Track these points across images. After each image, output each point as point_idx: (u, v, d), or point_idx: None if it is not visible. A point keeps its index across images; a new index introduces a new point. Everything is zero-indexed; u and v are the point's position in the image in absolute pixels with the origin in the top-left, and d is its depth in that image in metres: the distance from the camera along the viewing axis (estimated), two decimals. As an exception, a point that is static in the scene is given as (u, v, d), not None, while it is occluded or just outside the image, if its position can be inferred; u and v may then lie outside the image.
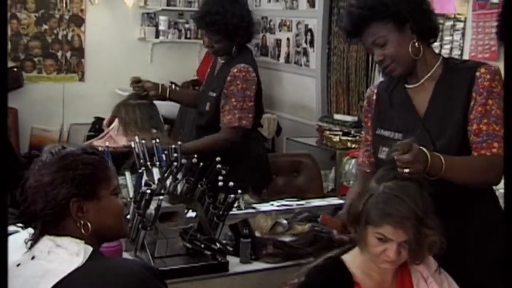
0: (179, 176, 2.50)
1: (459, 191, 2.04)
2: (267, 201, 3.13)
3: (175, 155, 2.57)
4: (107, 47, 6.93)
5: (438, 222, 1.87)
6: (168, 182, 2.51)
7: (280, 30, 6.71)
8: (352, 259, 1.97)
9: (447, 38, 4.41)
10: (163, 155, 2.67)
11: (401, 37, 2.13)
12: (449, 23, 4.43)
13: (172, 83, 6.84)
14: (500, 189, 2.24)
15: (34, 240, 1.59)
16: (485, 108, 2.06)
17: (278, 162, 4.08)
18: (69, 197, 1.55)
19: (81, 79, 6.96)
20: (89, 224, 1.58)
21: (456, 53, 4.38)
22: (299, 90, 6.46)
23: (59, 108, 6.81)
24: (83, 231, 1.58)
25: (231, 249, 2.49)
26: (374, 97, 2.34)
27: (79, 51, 6.89)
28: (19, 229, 1.68)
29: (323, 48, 6.15)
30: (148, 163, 2.60)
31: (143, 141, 2.73)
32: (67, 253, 1.54)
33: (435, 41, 2.26)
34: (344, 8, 2.23)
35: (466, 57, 4.28)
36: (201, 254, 2.40)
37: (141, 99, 3.53)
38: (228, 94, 3.24)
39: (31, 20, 6.62)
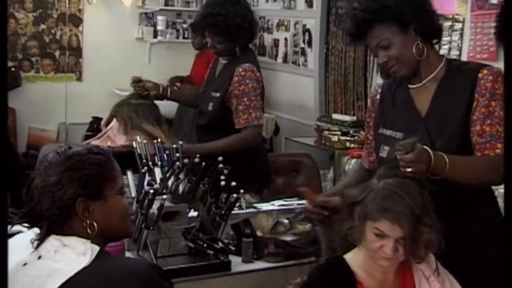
0: (181, 176, 2.51)
1: (460, 191, 2.06)
2: (268, 201, 3.13)
3: (177, 155, 2.58)
4: (105, 47, 6.94)
5: (437, 221, 1.88)
6: (170, 182, 2.52)
7: (278, 30, 6.72)
8: (354, 258, 1.98)
9: (445, 38, 4.42)
10: (165, 155, 2.68)
11: (405, 38, 2.14)
12: (447, 24, 4.44)
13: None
14: (499, 188, 2.26)
15: (40, 240, 1.59)
16: (488, 109, 2.07)
17: (277, 162, 4.08)
18: (76, 197, 1.56)
19: (79, 78, 6.97)
20: (95, 224, 1.59)
21: (454, 54, 4.40)
22: (297, 90, 6.47)
23: (57, 108, 6.81)
24: (89, 231, 1.58)
25: (233, 248, 2.50)
26: (378, 96, 2.36)
27: (77, 51, 6.90)
28: (24, 229, 1.69)
29: (321, 48, 6.16)
30: (150, 163, 2.61)
31: (145, 141, 2.74)
32: (74, 253, 1.54)
33: (439, 42, 2.27)
34: (345, 10, 2.24)
35: (464, 57, 4.30)
36: (203, 254, 2.41)
37: (142, 99, 3.53)
38: (239, 94, 3.23)
39: (29, 20, 6.63)
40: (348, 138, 5.23)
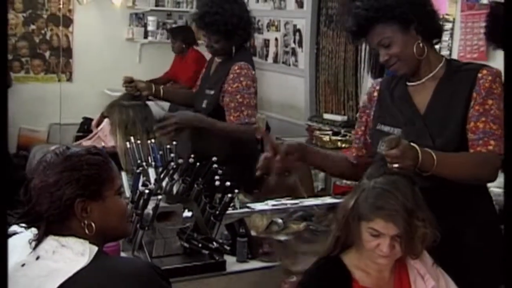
0: (176, 176, 2.52)
1: (456, 189, 2.08)
2: (262, 201, 3.14)
3: (171, 155, 2.58)
4: (95, 47, 6.92)
5: (430, 215, 1.91)
6: (164, 182, 2.52)
7: (268, 30, 6.73)
8: (349, 257, 2.00)
9: (436, 38, 4.45)
10: (158, 155, 2.68)
11: (406, 37, 2.17)
12: (438, 24, 4.46)
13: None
14: (492, 187, 2.28)
15: (38, 240, 1.59)
16: (484, 107, 2.09)
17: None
18: (74, 198, 1.56)
19: (69, 79, 6.95)
20: (93, 224, 1.59)
21: (444, 53, 4.41)
22: (287, 90, 6.49)
23: (47, 109, 6.78)
24: (87, 231, 1.59)
25: (228, 248, 2.50)
26: (375, 93, 2.38)
27: (67, 52, 6.88)
28: (20, 229, 1.69)
29: (311, 48, 6.18)
30: (144, 163, 2.62)
31: (138, 142, 2.74)
32: (72, 253, 1.55)
33: (439, 41, 2.30)
34: (347, 8, 2.26)
35: (454, 57, 4.32)
36: (198, 254, 2.41)
37: (134, 99, 3.53)
38: (232, 91, 3.25)
39: (19, 20, 6.60)
40: (339, 138, 5.26)
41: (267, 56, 6.78)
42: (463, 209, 2.15)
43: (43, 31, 6.73)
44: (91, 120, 5.26)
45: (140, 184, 2.43)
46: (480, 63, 2.37)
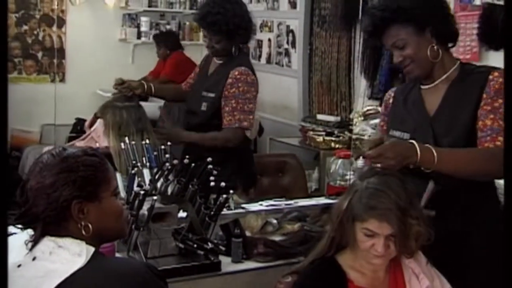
0: (171, 177, 2.52)
1: (461, 188, 2.09)
2: (256, 201, 3.15)
3: (166, 156, 2.59)
4: (88, 48, 6.89)
5: (423, 213, 1.92)
6: (159, 183, 2.53)
7: (261, 31, 6.72)
8: (344, 258, 2.01)
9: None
10: (153, 156, 2.69)
11: (421, 40, 2.18)
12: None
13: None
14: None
15: (35, 241, 1.59)
16: (493, 105, 2.10)
17: (263, 162, 4.10)
18: (71, 199, 1.56)
19: (62, 80, 6.92)
20: (90, 225, 1.59)
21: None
22: (281, 90, 6.49)
23: (40, 109, 6.74)
24: (84, 232, 1.59)
25: (223, 249, 2.51)
26: (391, 100, 2.41)
27: (60, 52, 6.85)
28: (15, 230, 1.68)
29: (304, 49, 6.18)
30: (139, 164, 2.62)
31: (133, 142, 2.74)
32: (69, 254, 1.55)
33: (454, 45, 2.30)
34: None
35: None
36: (193, 254, 2.42)
37: (127, 100, 3.51)
38: (228, 96, 3.26)
39: (12, 21, 6.56)
40: (332, 139, 5.26)
41: (260, 57, 6.78)
42: (468, 211, 2.15)
43: (35, 32, 6.70)
44: (84, 120, 5.24)
45: (135, 185, 2.44)
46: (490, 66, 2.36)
